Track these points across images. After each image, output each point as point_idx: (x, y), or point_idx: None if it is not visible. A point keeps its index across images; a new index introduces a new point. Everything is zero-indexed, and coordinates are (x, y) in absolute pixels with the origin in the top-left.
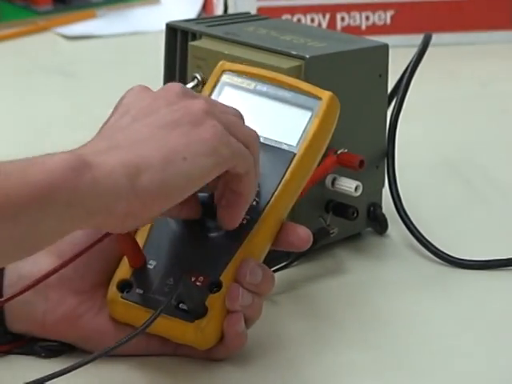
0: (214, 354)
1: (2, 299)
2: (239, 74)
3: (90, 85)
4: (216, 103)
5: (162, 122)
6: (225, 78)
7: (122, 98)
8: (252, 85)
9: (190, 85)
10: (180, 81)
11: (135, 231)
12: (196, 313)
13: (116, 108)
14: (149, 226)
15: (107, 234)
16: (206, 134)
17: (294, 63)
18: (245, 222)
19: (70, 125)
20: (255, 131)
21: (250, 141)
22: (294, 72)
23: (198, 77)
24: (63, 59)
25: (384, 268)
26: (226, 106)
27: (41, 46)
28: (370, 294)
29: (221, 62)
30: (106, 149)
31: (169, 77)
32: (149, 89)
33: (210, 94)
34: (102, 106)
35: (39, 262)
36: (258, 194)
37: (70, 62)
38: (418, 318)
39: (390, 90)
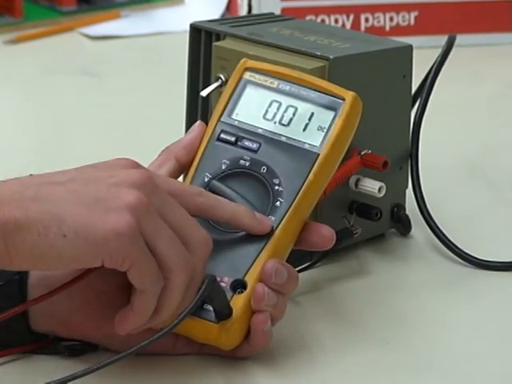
0: (239, 352)
1: (27, 302)
2: (262, 72)
3: (114, 85)
4: (165, 202)
5: (81, 193)
6: (247, 75)
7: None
8: (275, 83)
9: (213, 85)
10: (204, 81)
11: None
12: (221, 314)
13: (84, 166)
14: None
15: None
16: (111, 223)
17: (318, 64)
18: None
19: (93, 125)
20: (209, 240)
21: (177, 260)
22: (317, 73)
23: (222, 77)
24: (87, 59)
25: (407, 269)
26: (177, 207)
27: (64, 46)
28: (394, 295)
29: (243, 60)
30: (11, 194)
31: (192, 77)
32: (132, 164)
33: (232, 92)
34: (125, 107)
35: None
36: (282, 194)
37: (94, 63)
38: (441, 320)
39: (413, 90)
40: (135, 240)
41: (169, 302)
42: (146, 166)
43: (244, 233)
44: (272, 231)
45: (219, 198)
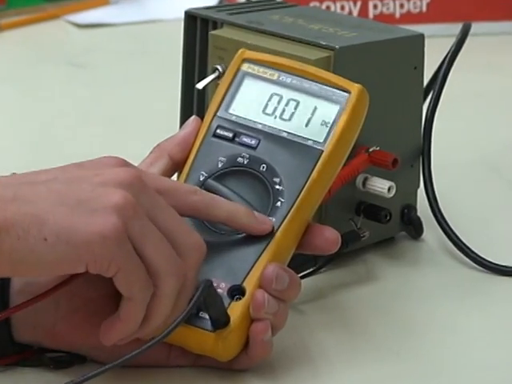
0: (237, 364)
1: (8, 310)
2: (261, 63)
3: (103, 77)
4: (154, 202)
5: (64, 193)
6: (245, 67)
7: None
8: (275, 75)
9: (210, 77)
10: (199, 73)
11: None
12: (218, 322)
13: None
14: None
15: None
16: (95, 226)
17: (323, 54)
18: None
19: (80, 120)
20: (202, 245)
21: (170, 265)
22: (322, 63)
23: (220, 68)
24: (74, 49)
25: (418, 275)
26: (167, 209)
27: (50, 35)
28: (404, 302)
29: (241, 50)
30: None
31: (187, 69)
32: (120, 162)
33: (229, 85)
34: (114, 100)
35: None
36: (283, 194)
37: (81, 52)
38: (455, 329)
39: (425, 83)
40: (122, 243)
41: (158, 311)
42: (136, 164)
43: (242, 235)
44: (272, 232)
45: (215, 196)
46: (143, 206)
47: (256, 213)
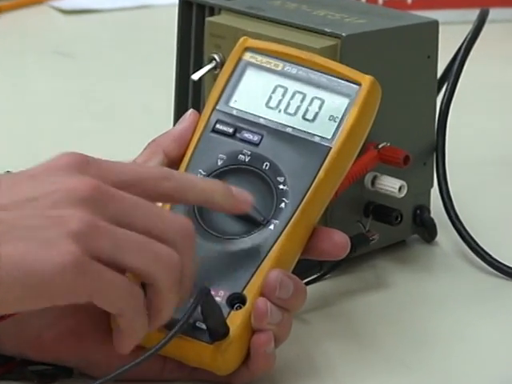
0: (237, 378)
1: None
2: (264, 52)
3: (91, 66)
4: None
5: (12, 224)
6: (247, 56)
7: (52, 159)
8: (280, 66)
9: (206, 67)
10: (195, 63)
11: None
12: (216, 333)
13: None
14: None
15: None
16: (52, 258)
17: (329, 42)
18: (272, 227)
19: (67, 112)
20: (189, 227)
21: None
22: (328, 52)
23: (217, 58)
24: (60, 37)
25: (432, 281)
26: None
27: (33, 22)
28: (416, 310)
29: (242, 38)
30: None
31: (182, 58)
32: (77, 164)
33: (230, 76)
34: (103, 91)
35: None
36: (287, 195)
37: (68, 40)
38: (470, 339)
39: (439, 73)
40: (85, 270)
41: (164, 305)
42: (130, 161)
43: (243, 239)
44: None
45: (189, 177)
46: (108, 215)
47: (234, 189)
